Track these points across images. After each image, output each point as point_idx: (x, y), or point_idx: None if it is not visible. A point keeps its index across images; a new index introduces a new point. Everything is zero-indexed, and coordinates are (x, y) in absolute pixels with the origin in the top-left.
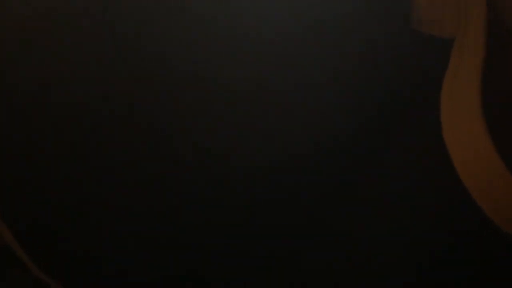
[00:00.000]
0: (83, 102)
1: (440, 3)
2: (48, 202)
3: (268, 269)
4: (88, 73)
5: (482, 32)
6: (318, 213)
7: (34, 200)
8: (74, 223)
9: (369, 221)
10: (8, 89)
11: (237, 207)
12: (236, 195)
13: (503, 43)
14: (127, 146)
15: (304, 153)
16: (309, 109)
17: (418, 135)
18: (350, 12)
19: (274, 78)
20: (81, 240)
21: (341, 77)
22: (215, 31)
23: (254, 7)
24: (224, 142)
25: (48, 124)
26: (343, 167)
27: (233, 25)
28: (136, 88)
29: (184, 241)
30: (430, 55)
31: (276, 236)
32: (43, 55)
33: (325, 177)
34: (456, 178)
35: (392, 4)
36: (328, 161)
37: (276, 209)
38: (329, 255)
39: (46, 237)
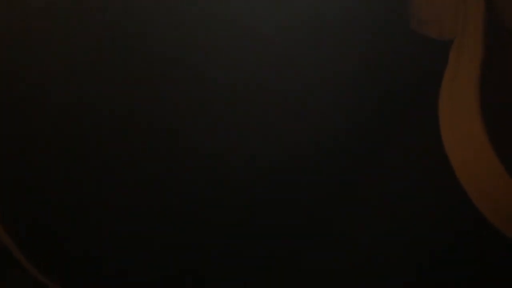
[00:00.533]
0: (83, 102)
1: (439, 4)
2: (48, 203)
3: (268, 269)
4: (88, 73)
5: (481, 33)
6: (318, 213)
7: (34, 201)
8: (74, 223)
9: (369, 221)
10: (8, 89)
11: (237, 207)
12: (236, 195)
13: (503, 43)
14: (127, 146)
15: (304, 153)
16: (309, 109)
17: (417, 136)
18: (350, 13)
19: (274, 78)
20: (81, 240)
21: (341, 77)
22: (215, 31)
23: (254, 8)
24: (224, 142)
25: (48, 124)
26: (343, 167)
27: (233, 25)
28: (136, 88)
29: (184, 241)
30: (429, 55)
31: (276, 236)
32: (43, 55)
33: (325, 177)
34: (455, 179)
35: (392, 5)
36: (328, 161)
37: (276, 209)
38: (329, 255)
39: (45, 237)
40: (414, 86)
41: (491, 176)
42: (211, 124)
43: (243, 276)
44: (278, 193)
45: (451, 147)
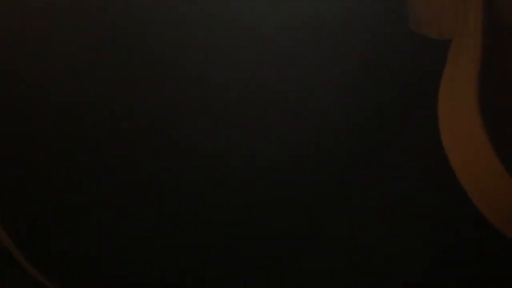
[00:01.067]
0: (83, 102)
1: (439, 4)
2: (48, 203)
3: (268, 269)
4: (88, 73)
5: (480, 32)
6: (318, 213)
7: (34, 201)
8: (74, 223)
9: (369, 221)
10: (8, 89)
11: (237, 207)
12: (236, 195)
13: (503, 43)
14: (127, 146)
15: (304, 153)
16: (309, 109)
17: (417, 136)
18: (350, 13)
19: (274, 78)
20: (81, 240)
21: (341, 77)
22: (215, 31)
23: (254, 8)
24: (224, 142)
25: (48, 124)
26: (343, 167)
27: (233, 25)
28: (136, 88)
29: (184, 241)
30: (429, 55)
31: (276, 236)
32: (43, 55)
33: (325, 177)
34: (456, 178)
35: (392, 5)
36: (328, 161)
37: (276, 209)
38: (329, 255)
39: (45, 237)
40: (414, 86)
41: (491, 176)
42: (211, 124)
43: (243, 276)
44: (278, 193)
45: (451, 147)
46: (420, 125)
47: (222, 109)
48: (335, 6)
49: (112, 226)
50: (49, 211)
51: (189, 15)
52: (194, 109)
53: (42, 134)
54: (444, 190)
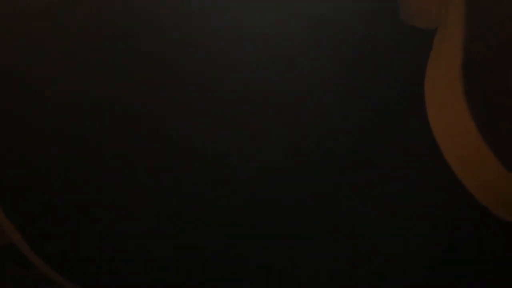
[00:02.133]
0: (83, 102)
1: None
2: (47, 203)
3: (268, 269)
4: (88, 73)
5: (461, 23)
6: (318, 213)
7: (33, 201)
8: (74, 223)
9: (369, 221)
10: (8, 89)
11: (237, 207)
12: (236, 195)
13: (485, 35)
14: (127, 146)
15: (303, 153)
16: (308, 109)
17: (417, 135)
18: (349, 13)
19: (274, 78)
20: (82, 240)
21: (340, 77)
22: (215, 31)
23: (254, 8)
24: (224, 142)
25: (48, 124)
26: (343, 167)
27: (234, 26)
28: (136, 88)
29: (184, 241)
30: (429, 55)
31: (276, 236)
32: (43, 55)
33: (325, 177)
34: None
35: (391, 5)
36: (328, 161)
37: (276, 209)
38: (329, 255)
39: (45, 237)
40: (414, 86)
41: (485, 167)
42: (211, 124)
43: (243, 276)
44: (278, 193)
45: (443, 143)
46: (420, 125)
47: (222, 109)
48: (335, 6)
49: (112, 226)
50: (48, 211)
51: (189, 15)
52: (194, 109)
53: (42, 134)
54: (444, 190)
